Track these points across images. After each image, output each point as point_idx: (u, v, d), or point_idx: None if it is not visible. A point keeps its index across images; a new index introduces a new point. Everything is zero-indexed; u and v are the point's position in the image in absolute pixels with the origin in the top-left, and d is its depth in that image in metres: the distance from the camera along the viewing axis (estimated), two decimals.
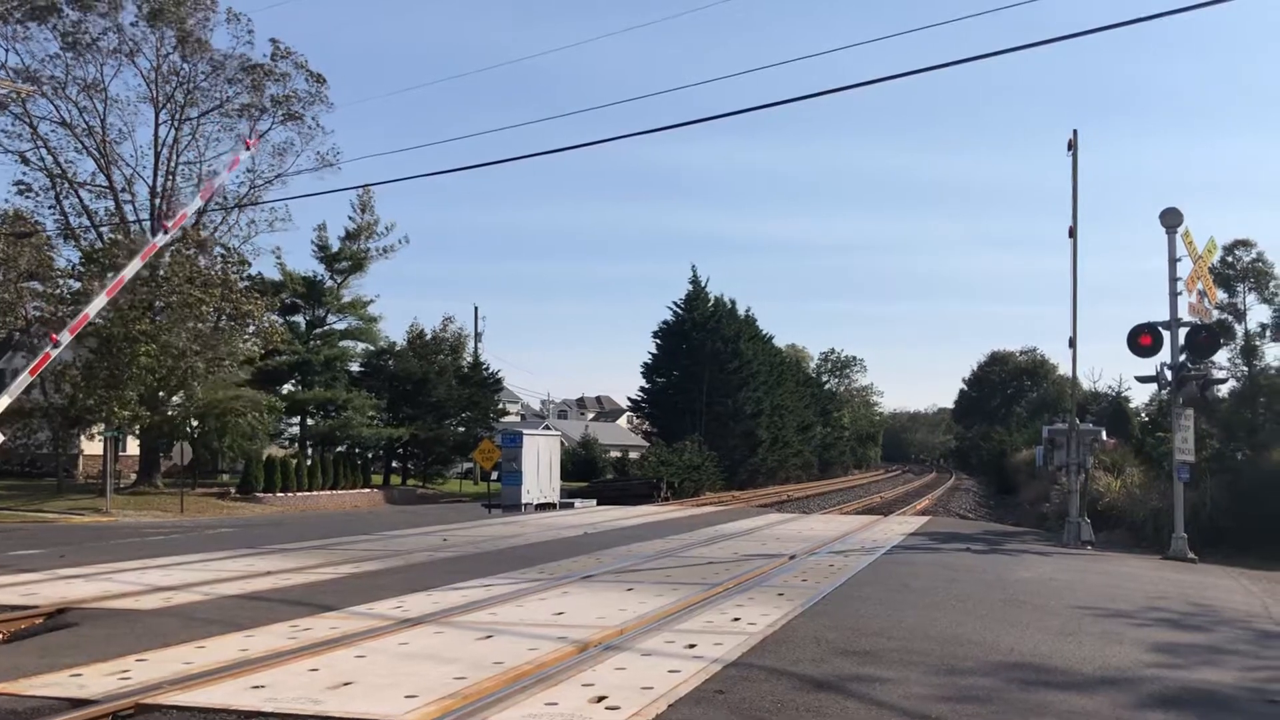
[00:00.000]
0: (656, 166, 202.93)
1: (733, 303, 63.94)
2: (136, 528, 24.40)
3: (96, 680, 6.96)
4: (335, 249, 48.54)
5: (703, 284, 62.37)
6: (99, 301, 21.20)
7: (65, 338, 19.93)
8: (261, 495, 37.33)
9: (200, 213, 41.48)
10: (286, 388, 47.64)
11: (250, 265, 42.52)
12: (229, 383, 37.05)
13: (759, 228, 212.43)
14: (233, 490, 38.92)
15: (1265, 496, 22.01)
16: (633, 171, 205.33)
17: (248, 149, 33.03)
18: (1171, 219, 20.61)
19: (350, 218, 48.73)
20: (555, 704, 6.30)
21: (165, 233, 22.92)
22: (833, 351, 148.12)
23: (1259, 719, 6.66)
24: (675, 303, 61.80)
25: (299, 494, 38.82)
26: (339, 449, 47.99)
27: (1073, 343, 22.51)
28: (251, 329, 39.50)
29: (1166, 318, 20.55)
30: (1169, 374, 20.53)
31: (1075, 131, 21.85)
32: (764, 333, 70.00)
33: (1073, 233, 22.03)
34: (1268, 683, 7.72)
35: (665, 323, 61.58)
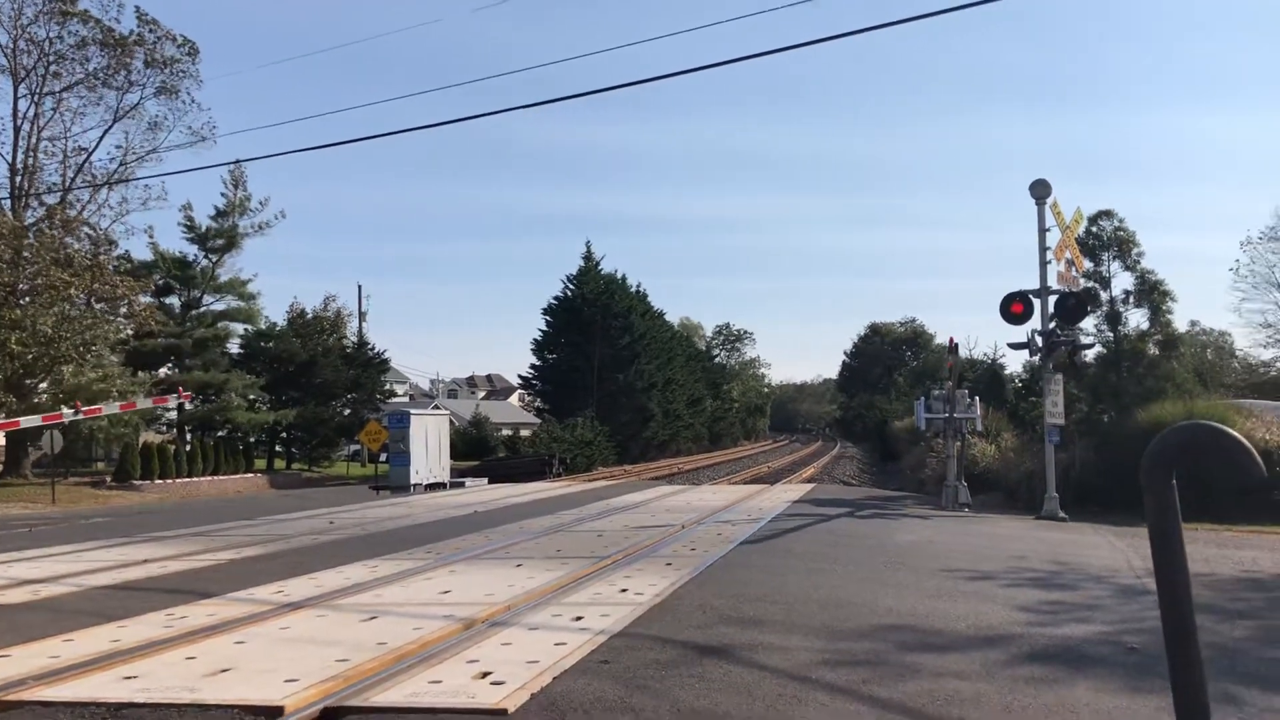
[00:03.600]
0: (547, 144, 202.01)
1: (624, 278, 64.15)
2: (3, 520, 23.34)
3: None
4: (205, 227, 46.88)
5: (596, 260, 62.39)
6: None
7: None
8: (139, 483, 36.05)
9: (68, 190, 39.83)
10: (162, 371, 46.00)
11: (117, 246, 40.92)
12: (98, 366, 35.64)
13: (652, 206, 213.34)
14: (108, 479, 37.47)
15: (1129, 456, 22.99)
16: (522, 149, 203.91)
17: (180, 397, 33.18)
18: (1040, 190, 21.37)
19: (222, 194, 47.12)
20: (439, 681, 6.26)
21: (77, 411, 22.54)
22: (727, 326, 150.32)
23: (1119, 666, 6.97)
24: (567, 277, 61.72)
25: (178, 481, 37.63)
26: (220, 433, 46.60)
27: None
28: (123, 311, 38.05)
29: (1037, 286, 21.34)
30: (1040, 340, 21.34)
31: (955, 343, 25.15)
32: (655, 308, 70.40)
33: (951, 369, 24.84)
34: (1127, 633, 8.10)
35: (556, 298, 61.43)
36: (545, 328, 61.58)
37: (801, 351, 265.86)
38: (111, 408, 30.76)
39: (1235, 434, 3.80)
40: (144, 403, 33.78)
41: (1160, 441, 4.05)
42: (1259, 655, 7.46)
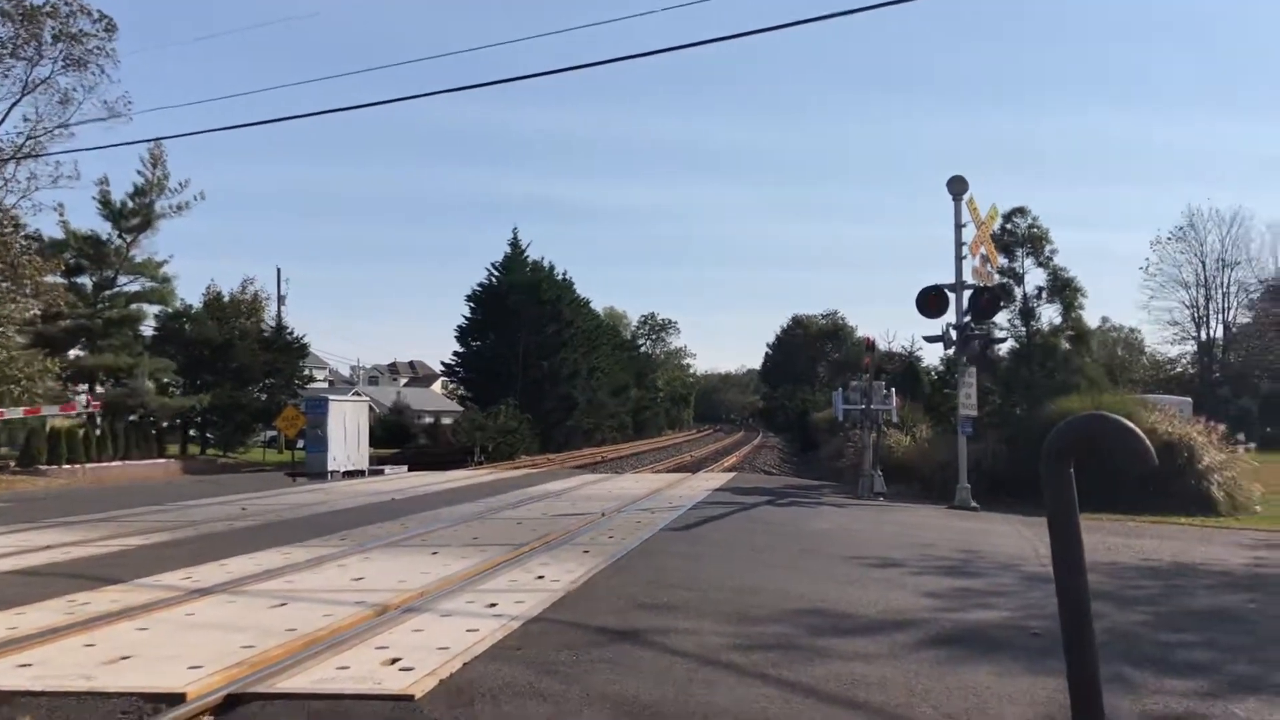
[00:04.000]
0: (472, 129, 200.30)
1: (551, 266, 63.84)
2: None
3: None
4: (120, 205, 45.49)
5: (522, 247, 61.97)
6: None
7: None
8: (45, 468, 34.93)
9: None
10: (73, 353, 44.62)
11: (26, 226, 39.45)
12: (4, 347, 34.39)
13: (577, 194, 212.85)
14: (12, 464, 36.26)
15: (1039, 448, 23.51)
16: (448, 133, 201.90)
17: (90, 406, 32.25)
18: (957, 186, 21.77)
19: (139, 173, 45.77)
20: (347, 668, 6.19)
21: None
22: (652, 315, 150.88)
23: (1021, 650, 7.16)
24: (492, 264, 61.20)
25: (88, 466, 36.53)
26: (131, 418, 45.39)
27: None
28: (29, 290, 36.76)
29: (953, 281, 21.75)
30: (954, 334, 21.75)
31: (872, 340, 23.99)
32: (581, 297, 70.23)
33: (869, 365, 24.18)
34: (1031, 618, 8.32)
35: (481, 285, 60.88)
36: (470, 315, 61.07)
37: (726, 342, 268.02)
38: (14, 412, 29.83)
39: (1130, 424, 3.92)
40: (49, 409, 32.79)
41: (1059, 432, 4.16)
42: (1153, 639, 7.72)
